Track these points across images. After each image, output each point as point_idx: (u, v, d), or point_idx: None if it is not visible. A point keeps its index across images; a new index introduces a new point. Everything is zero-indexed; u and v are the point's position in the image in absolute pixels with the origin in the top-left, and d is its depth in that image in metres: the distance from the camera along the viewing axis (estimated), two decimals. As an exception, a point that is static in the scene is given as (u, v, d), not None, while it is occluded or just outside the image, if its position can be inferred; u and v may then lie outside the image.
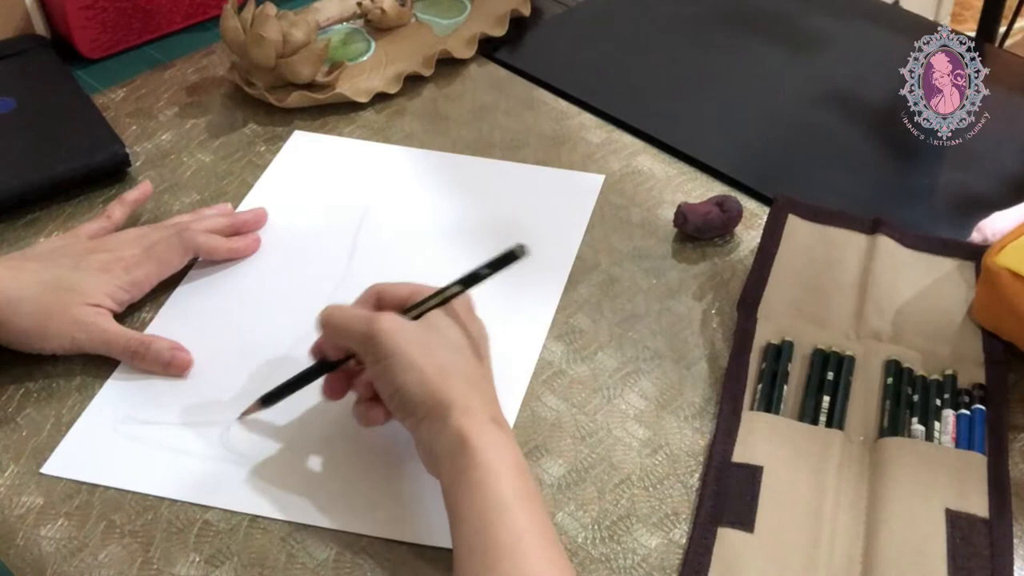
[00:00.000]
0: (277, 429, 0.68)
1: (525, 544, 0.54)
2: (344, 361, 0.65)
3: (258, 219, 0.82)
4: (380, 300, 0.65)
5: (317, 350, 0.67)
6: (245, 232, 0.81)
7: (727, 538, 0.60)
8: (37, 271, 0.71)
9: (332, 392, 0.66)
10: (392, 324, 0.61)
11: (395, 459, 0.66)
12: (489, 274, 0.64)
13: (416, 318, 0.63)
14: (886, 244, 0.77)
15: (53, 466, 0.66)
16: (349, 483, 0.65)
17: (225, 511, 0.63)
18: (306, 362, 0.71)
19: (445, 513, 0.61)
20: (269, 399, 0.67)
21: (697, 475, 0.65)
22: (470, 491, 0.56)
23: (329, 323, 0.64)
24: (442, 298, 0.63)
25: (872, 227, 0.78)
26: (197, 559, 0.61)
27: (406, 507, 0.63)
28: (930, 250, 0.77)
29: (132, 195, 0.81)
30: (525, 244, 0.62)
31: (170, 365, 0.70)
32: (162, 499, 0.64)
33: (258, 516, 0.63)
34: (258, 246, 0.80)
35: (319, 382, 0.67)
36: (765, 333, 0.72)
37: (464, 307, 0.65)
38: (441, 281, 0.78)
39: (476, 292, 0.76)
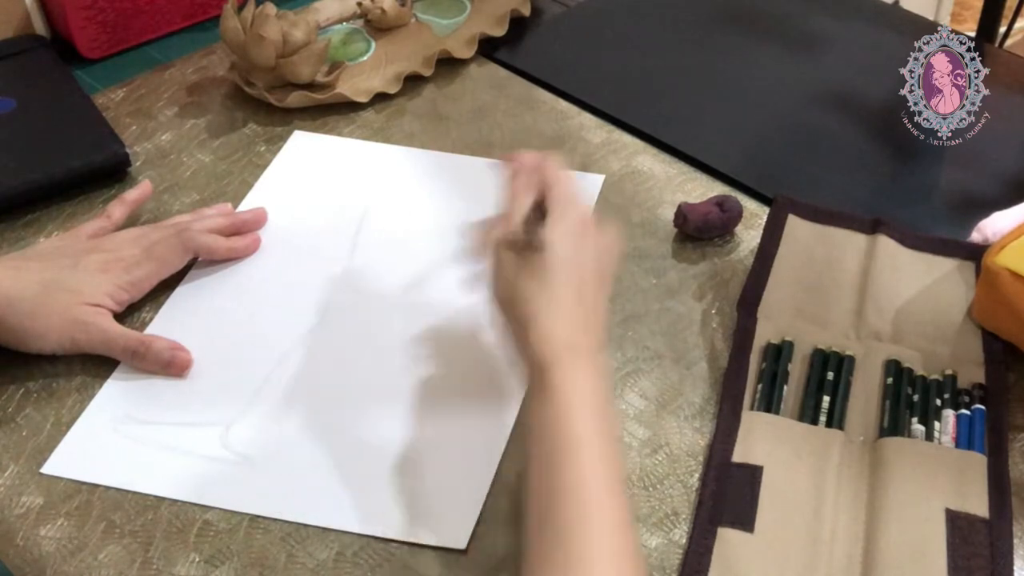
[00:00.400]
0: (277, 429, 0.68)
1: (588, 490, 0.53)
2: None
3: (258, 219, 0.82)
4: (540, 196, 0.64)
5: (515, 167, 0.66)
6: (245, 232, 0.81)
7: (727, 538, 0.60)
8: (37, 271, 0.71)
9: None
10: (563, 237, 0.61)
11: (395, 459, 0.66)
12: None
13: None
14: (886, 244, 0.77)
15: (53, 466, 0.66)
16: (349, 483, 0.65)
17: (225, 511, 0.63)
18: (305, 364, 0.71)
19: (445, 513, 0.62)
20: None
21: (697, 475, 0.65)
22: (542, 423, 0.55)
23: (518, 194, 0.63)
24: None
25: (872, 227, 0.78)
26: (197, 559, 0.61)
27: (406, 507, 0.63)
28: (930, 250, 0.77)
29: (132, 195, 0.81)
30: None
31: (170, 365, 0.70)
32: (162, 499, 0.64)
33: (258, 516, 0.63)
34: (258, 246, 0.80)
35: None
36: (765, 333, 0.72)
37: (591, 224, 0.63)
38: (444, 281, 0.78)
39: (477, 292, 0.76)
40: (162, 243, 0.75)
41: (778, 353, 0.70)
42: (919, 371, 0.69)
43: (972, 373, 0.69)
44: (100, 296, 0.72)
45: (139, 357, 0.71)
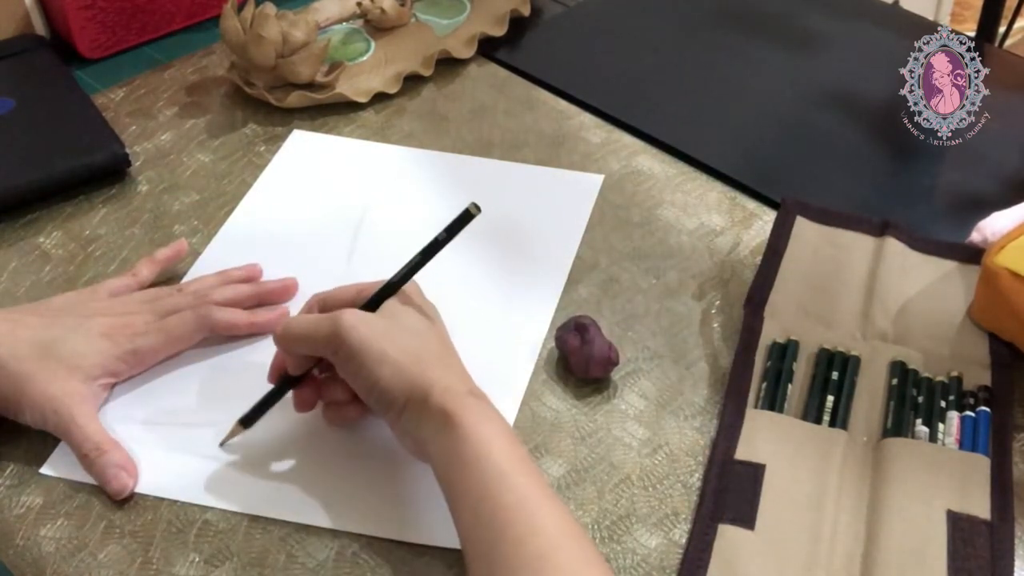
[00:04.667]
0: (277, 429, 0.67)
1: (532, 503, 0.54)
2: (306, 375, 0.65)
3: (287, 290, 0.76)
4: (324, 307, 0.65)
5: (275, 371, 0.67)
6: (271, 302, 0.75)
7: (727, 535, 0.60)
8: (35, 328, 0.67)
9: (303, 405, 0.66)
10: (355, 319, 0.61)
11: (394, 459, 0.66)
12: (447, 239, 0.64)
13: (372, 311, 0.64)
14: (894, 246, 0.77)
15: (53, 466, 0.66)
16: (349, 483, 0.64)
17: (225, 511, 0.63)
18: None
19: (444, 513, 0.61)
20: (248, 420, 0.66)
21: (697, 475, 0.65)
22: (465, 465, 0.56)
23: (289, 335, 0.63)
24: (391, 283, 0.65)
25: (880, 229, 0.78)
26: (197, 559, 0.61)
27: (406, 507, 0.63)
28: (938, 253, 0.77)
29: (164, 253, 0.76)
30: (477, 203, 0.63)
31: (108, 483, 0.64)
32: (162, 499, 0.64)
33: (258, 516, 0.63)
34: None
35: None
36: (771, 332, 0.72)
37: (414, 292, 0.66)
38: (444, 281, 0.78)
39: (476, 291, 0.76)
40: (177, 319, 0.70)
41: (783, 352, 0.70)
42: (924, 373, 0.69)
43: (978, 375, 0.69)
44: (92, 367, 0.67)
45: (87, 462, 0.65)
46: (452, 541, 0.61)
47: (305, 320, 0.64)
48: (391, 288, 0.65)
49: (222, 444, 0.66)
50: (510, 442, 0.58)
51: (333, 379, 0.65)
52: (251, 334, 0.73)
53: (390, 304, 0.64)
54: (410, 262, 0.65)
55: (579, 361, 0.69)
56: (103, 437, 0.65)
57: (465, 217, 0.63)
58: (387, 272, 0.78)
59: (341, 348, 0.61)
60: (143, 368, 0.70)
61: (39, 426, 0.66)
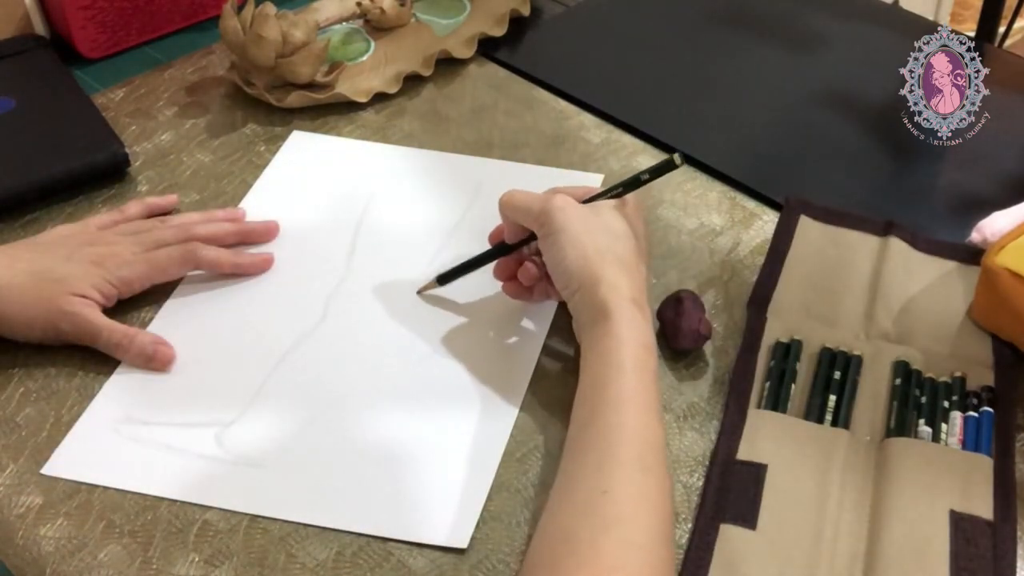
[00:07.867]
0: (277, 429, 0.68)
1: (629, 402, 0.60)
2: (519, 245, 0.72)
3: (268, 231, 0.81)
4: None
5: (496, 236, 0.74)
6: (253, 241, 0.80)
7: (729, 534, 0.60)
8: (30, 260, 0.72)
9: (503, 274, 0.73)
10: (565, 202, 0.68)
11: (395, 459, 0.66)
12: (648, 180, 0.71)
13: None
14: (898, 246, 0.77)
15: (53, 466, 0.66)
16: (349, 483, 0.64)
17: (224, 511, 0.63)
18: (305, 364, 0.71)
19: (445, 512, 0.61)
20: (445, 278, 0.75)
21: (697, 475, 0.65)
22: (598, 355, 0.63)
23: (512, 202, 0.71)
24: (610, 195, 0.72)
25: (884, 229, 0.78)
26: (196, 559, 0.61)
27: (406, 507, 0.63)
28: (941, 254, 0.77)
29: (156, 200, 0.82)
30: (680, 154, 0.70)
31: (152, 359, 0.71)
32: (162, 499, 0.64)
33: (258, 516, 0.63)
34: (267, 266, 0.78)
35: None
36: (774, 331, 0.72)
37: (632, 205, 0.72)
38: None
39: (476, 291, 0.76)
40: (164, 252, 0.75)
41: (786, 351, 0.70)
42: (928, 373, 0.69)
43: (981, 376, 0.69)
44: (86, 288, 0.71)
45: (122, 350, 0.71)
46: (453, 540, 0.61)
47: (527, 194, 0.71)
48: (606, 194, 0.71)
49: (419, 292, 0.76)
50: (644, 350, 0.63)
51: (534, 260, 0.72)
52: (233, 273, 0.77)
53: (603, 203, 0.71)
54: (618, 184, 0.72)
55: (670, 332, 0.71)
56: (126, 327, 0.72)
57: (668, 164, 0.70)
58: (387, 272, 0.79)
59: (546, 223, 0.68)
60: (131, 293, 0.74)
61: (50, 340, 0.71)
